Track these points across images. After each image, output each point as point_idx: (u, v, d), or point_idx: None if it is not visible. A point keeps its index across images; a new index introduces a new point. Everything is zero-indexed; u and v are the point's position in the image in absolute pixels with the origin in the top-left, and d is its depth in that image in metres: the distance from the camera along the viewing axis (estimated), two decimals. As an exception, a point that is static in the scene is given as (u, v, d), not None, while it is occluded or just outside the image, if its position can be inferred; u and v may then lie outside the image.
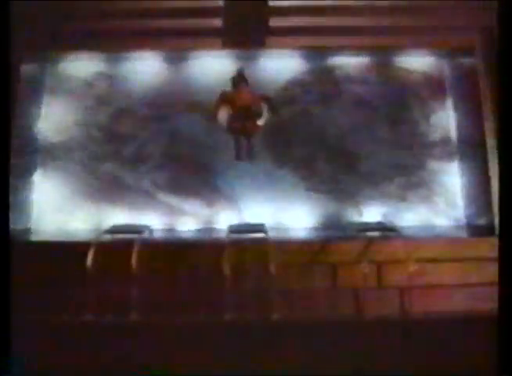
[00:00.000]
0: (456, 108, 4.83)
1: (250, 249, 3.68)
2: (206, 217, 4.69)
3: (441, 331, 3.29)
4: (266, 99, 4.07)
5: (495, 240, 3.10)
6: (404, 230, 4.00)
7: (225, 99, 3.92)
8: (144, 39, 4.49)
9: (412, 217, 4.69)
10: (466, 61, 4.62)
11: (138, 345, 3.19)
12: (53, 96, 4.87)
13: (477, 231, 4.34)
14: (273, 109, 4.11)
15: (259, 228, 3.93)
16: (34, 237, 4.32)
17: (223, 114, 3.97)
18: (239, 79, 3.87)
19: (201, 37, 4.49)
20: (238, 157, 4.18)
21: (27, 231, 4.46)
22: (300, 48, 4.68)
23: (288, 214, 4.69)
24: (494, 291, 2.55)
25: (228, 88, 3.92)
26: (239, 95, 3.84)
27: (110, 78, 4.93)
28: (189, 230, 4.58)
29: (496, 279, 2.50)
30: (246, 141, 4.15)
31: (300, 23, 4.44)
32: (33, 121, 4.72)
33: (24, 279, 3.36)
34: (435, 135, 4.85)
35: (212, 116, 4.11)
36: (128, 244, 3.63)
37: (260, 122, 3.97)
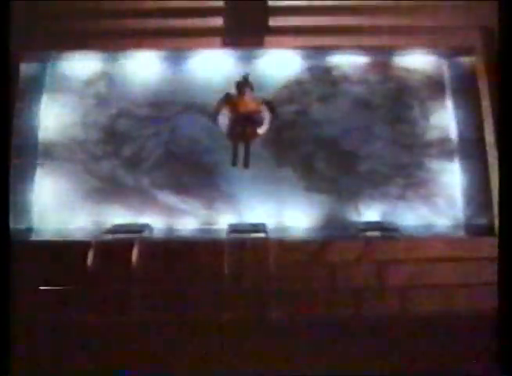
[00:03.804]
0: (456, 108, 4.83)
1: (250, 249, 3.68)
2: (206, 217, 4.69)
3: (442, 331, 3.29)
4: (268, 104, 4.06)
5: (495, 240, 3.10)
6: (404, 230, 4.00)
7: (228, 102, 3.91)
8: (144, 39, 4.49)
9: (411, 217, 4.69)
10: (466, 61, 4.62)
11: (138, 344, 3.19)
12: (53, 96, 4.86)
13: (477, 231, 4.34)
14: (274, 112, 4.09)
15: (259, 228, 3.93)
16: (34, 237, 4.32)
17: (224, 118, 3.96)
18: (244, 84, 3.85)
19: (201, 37, 4.49)
20: (233, 162, 4.20)
21: (27, 231, 4.45)
22: (300, 48, 4.67)
23: (288, 214, 4.69)
24: (494, 291, 2.55)
25: (231, 89, 3.91)
26: (243, 100, 3.83)
27: (110, 78, 4.93)
28: (189, 230, 4.58)
29: (496, 279, 2.51)
30: (243, 147, 4.15)
31: (300, 23, 4.44)
32: (33, 121, 4.72)
33: (24, 279, 3.36)
34: (435, 135, 4.85)
35: (213, 116, 4.10)
36: (128, 243, 3.63)
37: (260, 130, 3.96)
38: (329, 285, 3.69)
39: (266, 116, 4.00)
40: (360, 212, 4.70)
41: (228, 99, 3.90)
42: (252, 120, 3.89)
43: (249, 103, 3.86)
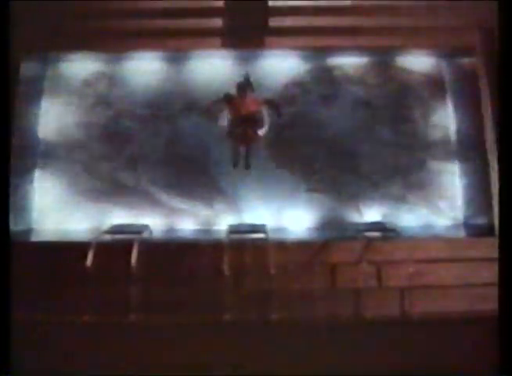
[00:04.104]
0: (456, 108, 4.83)
1: (250, 249, 3.68)
2: (206, 217, 4.69)
3: (441, 331, 3.29)
4: (271, 102, 4.02)
5: (494, 240, 3.10)
6: (404, 230, 4.00)
7: (228, 103, 3.89)
8: (144, 39, 4.49)
9: (412, 217, 4.69)
10: (466, 61, 4.62)
11: (138, 345, 3.19)
12: (53, 96, 4.86)
13: (476, 231, 4.34)
14: (278, 112, 4.05)
15: (259, 228, 3.93)
16: (34, 237, 4.32)
17: (224, 119, 3.95)
18: (245, 85, 3.83)
19: (201, 37, 4.49)
20: (234, 164, 4.20)
21: (27, 231, 4.45)
22: (300, 48, 4.67)
23: (288, 214, 4.69)
24: (494, 291, 2.55)
25: (231, 90, 3.90)
26: (244, 101, 3.81)
27: (110, 78, 4.93)
28: (188, 230, 4.58)
29: (496, 279, 2.51)
30: (244, 149, 4.14)
31: (300, 23, 4.44)
32: (33, 121, 4.72)
33: (24, 279, 3.36)
34: (435, 136, 4.85)
35: (207, 111, 4.10)
36: (128, 244, 3.63)
37: (261, 132, 3.95)
38: (329, 285, 3.69)
39: (266, 117, 3.99)
40: (360, 213, 4.70)
41: (228, 100, 3.89)
42: (253, 121, 3.87)
43: (250, 104, 3.84)
